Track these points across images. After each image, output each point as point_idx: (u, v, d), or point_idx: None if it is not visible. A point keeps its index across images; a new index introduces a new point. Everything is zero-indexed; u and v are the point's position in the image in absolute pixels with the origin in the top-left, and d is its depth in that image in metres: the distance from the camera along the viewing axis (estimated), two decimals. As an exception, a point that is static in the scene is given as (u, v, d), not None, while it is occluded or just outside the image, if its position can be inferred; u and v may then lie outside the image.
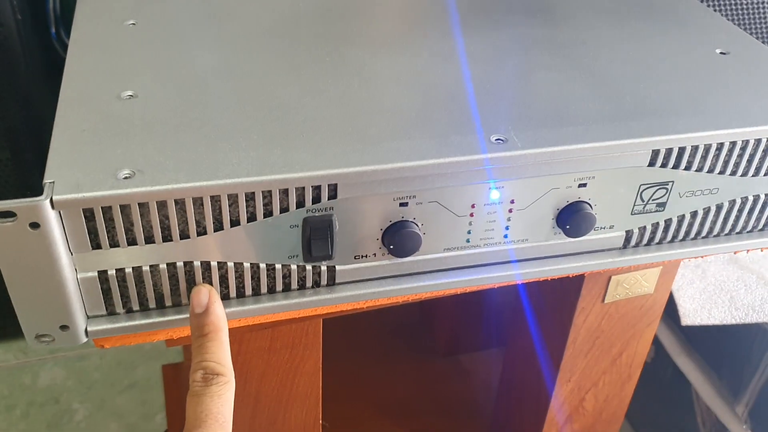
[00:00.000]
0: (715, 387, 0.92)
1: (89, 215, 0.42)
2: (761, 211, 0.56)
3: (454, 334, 1.01)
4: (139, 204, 0.42)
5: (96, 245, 0.43)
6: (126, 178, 0.41)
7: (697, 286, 0.81)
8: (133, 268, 0.44)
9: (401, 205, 0.47)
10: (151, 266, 0.45)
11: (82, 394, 1.16)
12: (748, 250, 0.58)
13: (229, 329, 0.50)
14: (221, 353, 0.45)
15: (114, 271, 0.44)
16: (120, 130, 0.46)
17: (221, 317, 0.46)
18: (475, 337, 1.00)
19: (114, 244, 0.43)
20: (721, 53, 0.59)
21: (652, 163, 0.50)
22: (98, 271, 0.44)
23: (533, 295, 0.72)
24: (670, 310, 0.86)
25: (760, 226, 0.57)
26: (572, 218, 0.50)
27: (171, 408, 1.03)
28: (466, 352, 1.01)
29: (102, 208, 0.41)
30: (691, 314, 0.79)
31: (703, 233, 0.55)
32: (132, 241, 0.43)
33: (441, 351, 1.02)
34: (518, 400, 0.79)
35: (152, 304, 0.47)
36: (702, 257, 0.57)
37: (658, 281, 0.65)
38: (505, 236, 0.51)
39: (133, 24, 0.58)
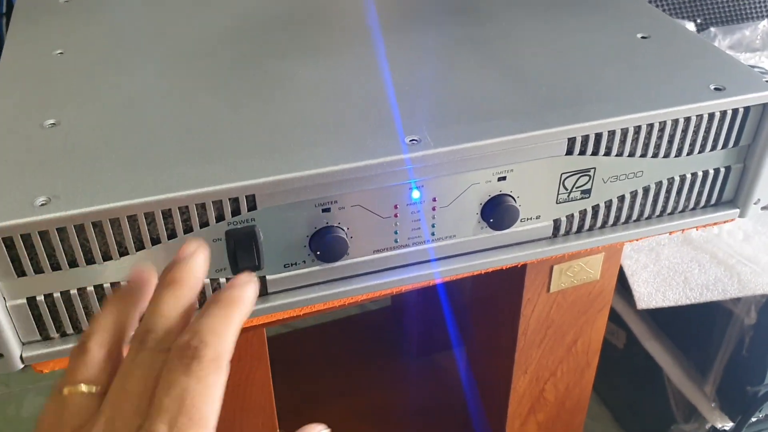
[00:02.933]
0: (684, 369, 0.93)
1: (10, 243, 0.42)
2: (690, 191, 0.56)
3: (425, 334, 1.02)
4: (57, 229, 0.42)
5: (21, 272, 0.44)
6: (42, 204, 0.42)
7: (651, 269, 0.82)
8: (61, 292, 0.45)
9: (324, 210, 0.48)
10: (78, 289, 0.45)
11: (64, 421, 1.16)
12: (683, 230, 0.59)
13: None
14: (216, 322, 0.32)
15: (42, 297, 0.45)
16: (40, 158, 0.46)
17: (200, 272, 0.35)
18: (446, 335, 1.01)
19: (39, 270, 0.44)
20: (642, 37, 0.60)
21: (569, 152, 0.50)
22: (27, 298, 0.45)
23: (484, 290, 0.73)
24: (633, 295, 0.86)
25: (691, 205, 0.58)
26: (495, 212, 0.51)
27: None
28: (439, 351, 1.02)
29: (21, 235, 0.42)
30: (646, 298, 0.80)
31: (634, 216, 0.56)
32: (56, 266, 0.44)
33: (413, 352, 1.03)
34: (482, 394, 0.80)
35: (85, 326, 0.47)
36: (637, 240, 0.58)
37: (603, 267, 0.66)
38: (433, 234, 0.51)
39: (61, 53, 0.59)
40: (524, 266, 0.63)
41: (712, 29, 1.23)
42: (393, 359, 1.02)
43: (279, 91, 0.53)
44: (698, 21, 1.25)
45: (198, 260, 0.35)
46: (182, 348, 0.31)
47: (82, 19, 0.64)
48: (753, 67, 1.13)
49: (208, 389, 0.30)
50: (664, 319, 0.96)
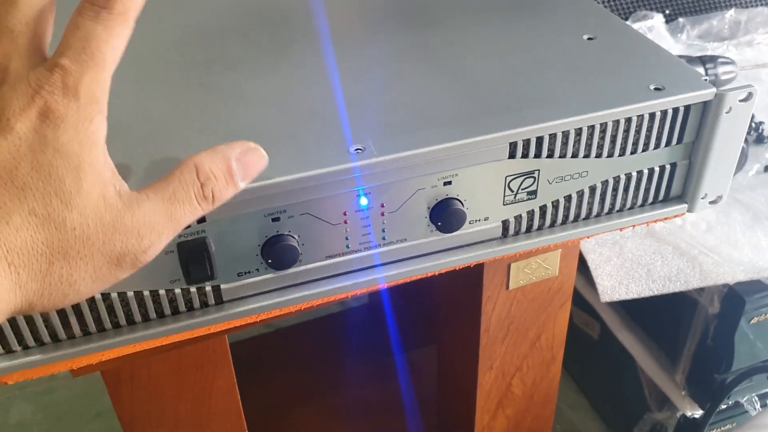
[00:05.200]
0: (655, 358, 0.95)
1: (-34, 263, 0.44)
2: (636, 188, 0.58)
3: (400, 333, 1.03)
4: (11, 247, 0.44)
5: (-21, 290, 0.45)
6: (-4, 224, 0.43)
7: (615, 262, 0.83)
8: (20, 307, 0.47)
9: (273, 220, 0.49)
10: (37, 304, 0.47)
11: (51, 426, 1.18)
12: (633, 226, 0.60)
13: (135, 353, 0.52)
14: None
15: (2, 313, 0.46)
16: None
17: None
18: (421, 333, 1.03)
19: (-4, 286, 0.45)
20: (588, 39, 0.62)
21: (512, 155, 0.52)
22: (-13, 314, 0.46)
23: (448, 289, 0.75)
24: (601, 287, 0.88)
25: (640, 202, 0.59)
26: (443, 215, 0.52)
27: None
28: (415, 349, 1.03)
29: (-24, 254, 0.43)
30: (609, 291, 0.81)
31: (583, 215, 0.58)
32: (13, 283, 0.45)
33: (389, 350, 1.05)
34: (452, 391, 0.81)
35: (47, 339, 0.49)
36: (587, 237, 0.59)
37: (561, 263, 0.68)
38: (384, 238, 0.53)
39: None
40: (482, 265, 0.64)
41: (681, 19, 1.24)
42: (371, 357, 1.04)
43: (225, 102, 0.54)
44: (667, 12, 1.26)
45: None
46: (90, 4, 0.35)
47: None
48: (718, 57, 1.14)
49: (113, 37, 0.35)
50: (635, 310, 0.97)
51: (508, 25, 0.64)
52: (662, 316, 0.93)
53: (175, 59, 0.61)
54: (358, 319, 1.12)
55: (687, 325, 0.87)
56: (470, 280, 0.67)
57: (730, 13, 1.23)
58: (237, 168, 0.40)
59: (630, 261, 0.83)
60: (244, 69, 0.59)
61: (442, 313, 0.80)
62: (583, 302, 1.04)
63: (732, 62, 1.12)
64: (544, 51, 0.60)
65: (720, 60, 1.11)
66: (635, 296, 0.80)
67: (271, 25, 0.66)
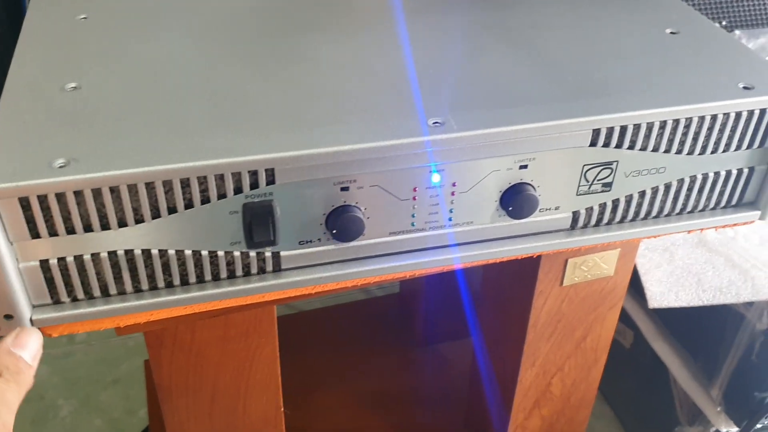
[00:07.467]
0: (691, 371, 0.92)
1: (26, 204, 0.42)
2: (711, 190, 0.56)
3: (431, 324, 1.02)
4: (74, 192, 0.42)
5: (35, 234, 0.43)
6: (61, 166, 0.42)
7: (665, 269, 0.81)
8: (74, 256, 0.45)
9: (342, 189, 0.47)
10: (92, 255, 0.45)
11: (66, 390, 1.17)
12: (701, 229, 0.58)
13: (181, 316, 0.50)
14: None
15: (56, 260, 0.45)
16: (60, 121, 0.46)
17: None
18: (452, 326, 1.00)
19: (53, 233, 0.44)
20: (671, 33, 0.59)
21: (593, 143, 0.50)
22: (40, 260, 0.44)
23: (495, 280, 0.73)
24: (643, 294, 0.86)
25: (712, 205, 0.57)
26: (514, 200, 0.50)
27: (153, 403, 1.04)
28: (444, 342, 1.01)
29: (38, 197, 0.42)
30: (658, 297, 0.79)
31: (654, 213, 0.56)
32: (71, 230, 0.44)
33: (418, 341, 1.03)
34: (487, 386, 0.79)
35: (97, 293, 0.47)
36: (654, 237, 0.57)
37: (618, 263, 0.65)
38: (449, 219, 0.51)
39: (85, 18, 0.58)
40: (538, 258, 0.62)
41: (737, 32, 1.21)
42: (398, 347, 1.02)
43: (303, 66, 0.53)
44: (723, 23, 1.23)
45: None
46: None
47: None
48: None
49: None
50: (673, 320, 0.95)
51: (587, 10, 0.62)
52: (702, 328, 0.90)
53: (250, 21, 0.59)
54: (387, 307, 1.10)
55: (730, 339, 0.85)
56: (522, 271, 0.65)
57: (790, 28, 1.20)
58: (17, 350, 0.43)
59: (680, 269, 0.80)
60: (319, 34, 0.57)
61: (483, 303, 0.78)
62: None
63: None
64: (626, 39, 0.58)
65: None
66: (684, 305, 0.78)
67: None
